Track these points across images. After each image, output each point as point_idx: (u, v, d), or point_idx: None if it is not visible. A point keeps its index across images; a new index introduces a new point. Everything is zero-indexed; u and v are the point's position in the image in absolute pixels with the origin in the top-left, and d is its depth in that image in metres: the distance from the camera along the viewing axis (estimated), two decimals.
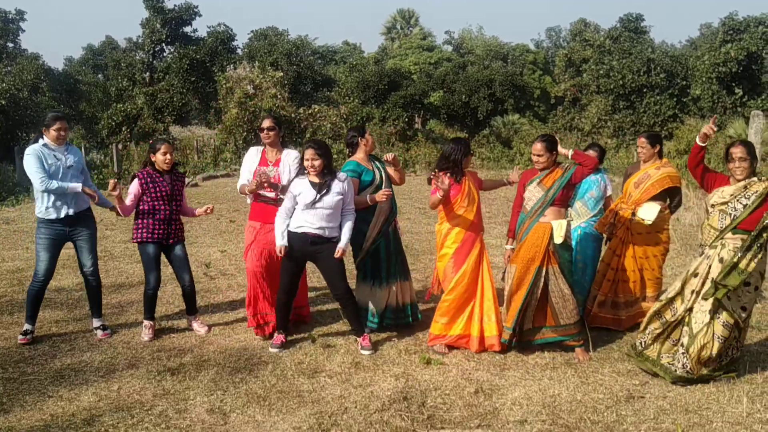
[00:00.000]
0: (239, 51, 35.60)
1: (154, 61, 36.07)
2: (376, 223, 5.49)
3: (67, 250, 6.06)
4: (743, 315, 4.58)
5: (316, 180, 5.09)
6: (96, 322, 5.71)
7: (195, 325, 5.78)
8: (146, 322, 5.63)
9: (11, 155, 20.72)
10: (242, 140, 22.49)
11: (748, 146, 4.57)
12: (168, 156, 5.48)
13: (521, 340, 5.23)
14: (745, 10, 56.37)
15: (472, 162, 23.79)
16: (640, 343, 4.91)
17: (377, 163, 5.68)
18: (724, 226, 4.54)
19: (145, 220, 5.47)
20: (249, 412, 4.25)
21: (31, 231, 10.16)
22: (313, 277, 7.17)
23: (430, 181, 5.20)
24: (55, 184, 5.18)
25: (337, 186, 5.09)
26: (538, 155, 5.09)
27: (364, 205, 5.39)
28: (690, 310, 4.62)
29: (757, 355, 5.21)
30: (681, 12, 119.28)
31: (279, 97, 23.97)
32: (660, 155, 5.80)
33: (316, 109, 25.17)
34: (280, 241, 5.14)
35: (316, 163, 5.04)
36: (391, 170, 5.71)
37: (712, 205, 4.63)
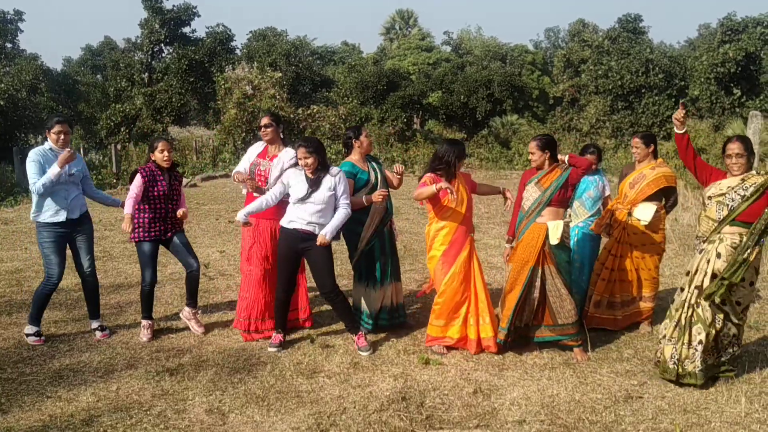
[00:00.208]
0: (238, 51, 35.56)
1: (153, 62, 36.01)
2: (371, 223, 5.49)
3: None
4: (738, 309, 4.59)
5: (311, 176, 5.10)
6: (94, 323, 5.70)
7: (192, 324, 5.78)
8: (144, 322, 5.63)
9: (10, 156, 20.70)
10: (241, 141, 22.48)
11: (745, 142, 4.58)
12: (166, 153, 5.50)
13: (518, 336, 5.23)
14: (743, 10, 56.32)
15: (471, 162, 23.86)
16: (673, 361, 4.68)
17: (373, 163, 5.68)
18: (721, 218, 4.55)
19: (141, 218, 5.48)
20: (248, 412, 4.26)
21: (29, 231, 10.16)
22: (312, 277, 7.16)
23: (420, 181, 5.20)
24: (39, 183, 5.13)
25: (328, 181, 5.08)
26: (531, 153, 5.14)
27: (359, 205, 5.39)
28: (695, 305, 4.61)
29: (756, 355, 5.22)
30: (679, 12, 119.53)
31: (278, 97, 23.96)
32: (655, 155, 5.82)
33: (314, 110, 25.15)
34: (240, 216, 5.13)
35: (309, 161, 5.04)
36: (390, 174, 5.72)
37: (709, 197, 4.65)
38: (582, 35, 40.95)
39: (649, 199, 5.65)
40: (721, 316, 4.57)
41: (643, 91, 29.77)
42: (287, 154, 5.52)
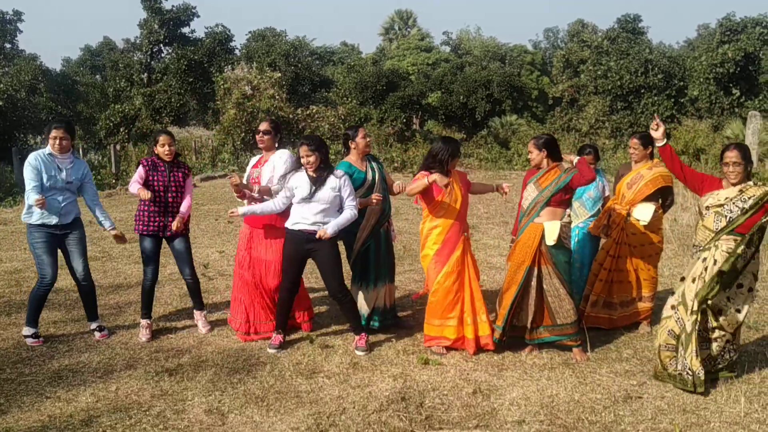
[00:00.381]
0: (237, 52, 35.60)
1: (152, 62, 36.03)
2: (366, 224, 5.50)
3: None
4: (739, 317, 4.58)
5: (314, 175, 5.10)
6: (93, 324, 5.69)
7: (199, 322, 5.81)
8: (143, 322, 5.63)
9: (9, 156, 20.70)
10: (240, 141, 22.50)
11: (743, 150, 4.56)
12: (167, 147, 5.49)
13: (514, 335, 5.24)
14: (742, 10, 56.58)
15: (470, 163, 23.84)
16: (668, 363, 4.69)
17: (373, 163, 5.68)
18: (719, 228, 4.54)
19: (142, 211, 5.50)
20: (247, 412, 4.25)
21: None
22: (312, 277, 7.17)
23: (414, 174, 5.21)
24: (31, 198, 5.14)
25: (332, 181, 5.08)
26: (530, 153, 5.17)
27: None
28: (695, 312, 4.60)
29: (755, 355, 5.22)
30: (678, 13, 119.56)
31: (277, 97, 23.98)
32: (651, 156, 5.82)
33: (314, 110, 25.18)
34: (244, 209, 5.16)
35: (311, 159, 5.04)
36: (389, 178, 5.75)
37: (707, 207, 4.63)
38: (581, 35, 41.01)
39: (647, 199, 5.66)
40: (716, 324, 4.57)
41: (642, 91, 29.81)
42: (278, 154, 5.51)
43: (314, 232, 5.07)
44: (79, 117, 34.06)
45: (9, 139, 24.44)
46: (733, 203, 4.49)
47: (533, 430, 4.05)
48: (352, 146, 5.57)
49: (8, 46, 37.50)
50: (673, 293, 4.80)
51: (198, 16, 36.30)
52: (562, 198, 5.05)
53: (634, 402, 4.41)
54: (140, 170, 5.49)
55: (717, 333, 4.60)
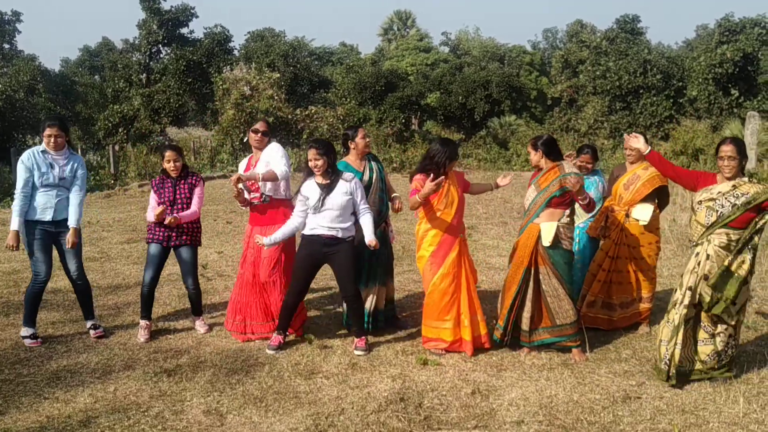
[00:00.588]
0: (236, 52, 35.53)
1: (151, 63, 35.96)
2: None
3: None
4: (733, 311, 4.59)
5: (321, 180, 5.09)
6: (89, 323, 5.69)
7: (197, 324, 5.82)
8: (142, 323, 5.63)
9: (8, 156, 20.66)
10: (239, 141, 22.46)
11: (738, 145, 4.58)
12: (172, 163, 5.52)
13: (515, 336, 5.24)
14: (741, 11, 56.65)
15: (469, 163, 23.83)
16: (664, 362, 4.69)
17: (373, 163, 5.68)
18: (710, 223, 4.55)
19: (152, 222, 5.57)
20: (246, 413, 4.25)
21: None
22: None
23: (411, 178, 5.19)
24: (16, 204, 5.27)
25: (342, 186, 5.08)
26: (528, 153, 5.18)
27: None
28: (686, 306, 4.63)
29: (753, 355, 5.22)
30: (677, 13, 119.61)
31: (276, 98, 23.94)
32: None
33: (312, 111, 25.13)
34: (267, 240, 5.17)
35: (319, 162, 5.04)
36: (390, 187, 5.80)
37: (699, 202, 4.64)
38: (580, 36, 41.01)
39: (645, 199, 5.67)
40: (715, 319, 4.59)
41: (641, 91, 29.79)
42: (275, 148, 5.50)
43: (331, 237, 5.08)
44: (77, 117, 34.00)
45: (7, 139, 24.40)
46: (725, 198, 4.50)
47: (532, 430, 4.05)
48: (352, 146, 5.57)
49: (7, 46, 37.47)
50: (675, 291, 4.79)
51: (197, 17, 36.23)
52: (564, 201, 5.04)
53: (632, 402, 4.41)
54: (152, 196, 5.60)
55: (720, 327, 4.60)
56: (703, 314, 4.64)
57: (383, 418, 4.17)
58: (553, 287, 5.05)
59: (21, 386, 4.64)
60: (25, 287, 7.09)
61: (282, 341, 5.36)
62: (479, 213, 12.60)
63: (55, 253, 5.50)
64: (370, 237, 5.03)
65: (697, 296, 4.58)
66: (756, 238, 4.47)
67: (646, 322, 5.85)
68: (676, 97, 29.84)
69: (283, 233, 5.20)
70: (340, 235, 5.11)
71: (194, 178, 5.69)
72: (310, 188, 5.11)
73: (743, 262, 4.45)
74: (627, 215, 5.70)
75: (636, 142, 4.99)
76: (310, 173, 5.16)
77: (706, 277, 4.53)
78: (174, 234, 5.55)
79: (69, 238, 5.35)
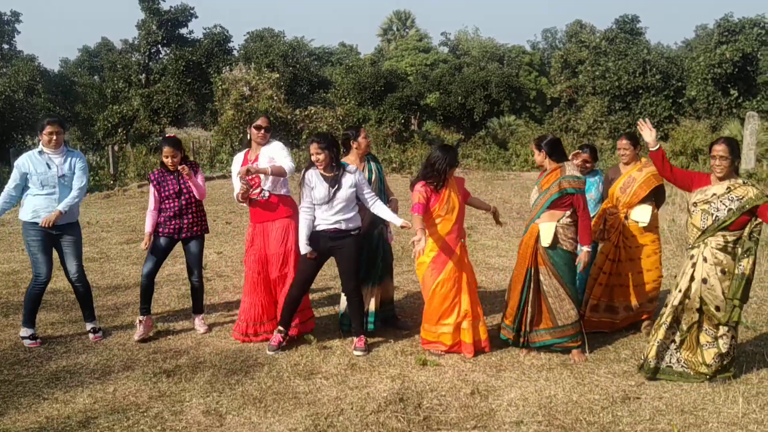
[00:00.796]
0: (235, 52, 35.52)
1: (150, 63, 35.94)
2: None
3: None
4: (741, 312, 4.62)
5: (326, 174, 5.09)
6: (89, 326, 5.68)
7: (196, 322, 5.82)
8: (139, 318, 5.62)
9: (7, 157, 20.67)
10: (238, 142, 22.47)
11: (731, 144, 4.57)
12: (170, 159, 5.52)
13: (522, 341, 5.23)
14: (740, 11, 56.66)
15: (468, 163, 23.81)
16: (653, 360, 4.75)
17: (372, 163, 5.68)
18: (706, 227, 4.54)
19: (160, 217, 5.59)
20: (245, 413, 4.25)
21: None
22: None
23: (412, 186, 5.17)
24: (1, 198, 5.35)
25: (349, 179, 5.10)
26: (529, 153, 5.17)
27: None
28: (673, 306, 4.66)
29: (753, 355, 5.22)
30: (676, 13, 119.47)
31: (275, 98, 23.95)
32: (638, 156, 5.83)
33: (312, 111, 25.14)
34: (304, 249, 5.13)
35: (321, 156, 5.03)
36: (389, 191, 5.83)
37: (694, 204, 4.64)
38: (579, 36, 40.98)
39: (642, 200, 5.66)
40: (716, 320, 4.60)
41: (640, 91, 29.80)
42: (279, 146, 5.48)
43: (337, 229, 5.11)
44: (77, 118, 33.97)
45: (7, 140, 24.40)
46: (720, 201, 4.49)
47: (531, 430, 4.05)
48: (354, 146, 5.56)
49: (6, 46, 37.40)
50: (669, 292, 4.81)
51: (196, 17, 36.18)
52: (561, 202, 5.03)
53: (632, 402, 4.41)
54: (152, 190, 5.59)
55: (722, 330, 4.60)
56: (704, 318, 4.64)
57: (382, 419, 4.17)
58: (555, 287, 5.05)
59: (20, 387, 4.64)
60: (24, 288, 7.10)
61: (282, 341, 5.34)
62: (479, 213, 12.57)
63: (55, 254, 5.50)
64: (397, 221, 5.06)
65: (698, 300, 4.59)
66: (756, 235, 4.48)
67: (648, 322, 5.83)
68: (675, 97, 29.86)
69: (304, 233, 5.16)
70: (343, 227, 5.13)
71: (190, 167, 5.64)
72: (316, 179, 5.09)
73: (747, 262, 4.46)
74: (626, 217, 5.70)
75: (648, 134, 4.86)
76: (311, 164, 5.16)
77: (704, 281, 4.54)
78: (184, 225, 5.59)
79: (48, 216, 5.19)
